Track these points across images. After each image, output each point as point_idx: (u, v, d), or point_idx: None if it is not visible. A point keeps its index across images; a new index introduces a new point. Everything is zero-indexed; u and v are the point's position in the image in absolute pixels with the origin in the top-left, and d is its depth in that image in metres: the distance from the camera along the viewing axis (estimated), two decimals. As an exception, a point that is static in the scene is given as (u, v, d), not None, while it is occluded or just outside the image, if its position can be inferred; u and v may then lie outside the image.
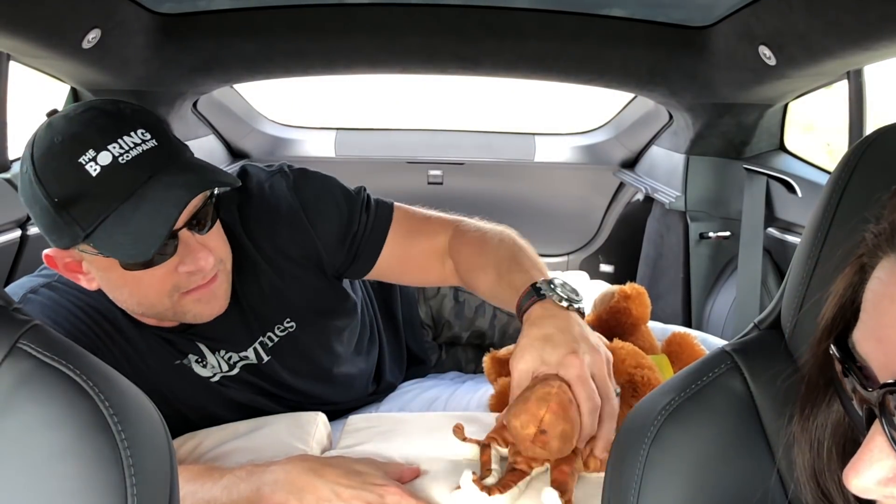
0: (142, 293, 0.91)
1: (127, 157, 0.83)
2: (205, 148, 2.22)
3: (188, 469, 0.89)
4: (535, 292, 0.88)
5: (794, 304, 0.60)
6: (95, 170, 0.81)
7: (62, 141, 0.82)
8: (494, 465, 0.85)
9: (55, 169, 0.82)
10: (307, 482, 0.83)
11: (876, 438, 0.39)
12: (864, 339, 0.41)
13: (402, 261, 1.12)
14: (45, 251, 0.90)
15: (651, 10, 1.56)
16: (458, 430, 0.89)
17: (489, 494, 0.79)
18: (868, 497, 0.40)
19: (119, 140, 0.83)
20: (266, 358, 1.08)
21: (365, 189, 1.12)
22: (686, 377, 0.63)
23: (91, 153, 0.82)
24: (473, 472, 0.81)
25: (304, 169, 1.10)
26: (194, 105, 2.11)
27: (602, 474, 0.80)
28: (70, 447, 0.49)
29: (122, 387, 0.54)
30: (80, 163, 0.81)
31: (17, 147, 1.53)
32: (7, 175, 1.52)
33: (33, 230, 1.53)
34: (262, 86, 2.14)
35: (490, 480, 0.82)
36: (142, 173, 0.84)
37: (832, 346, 0.43)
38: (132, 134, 0.84)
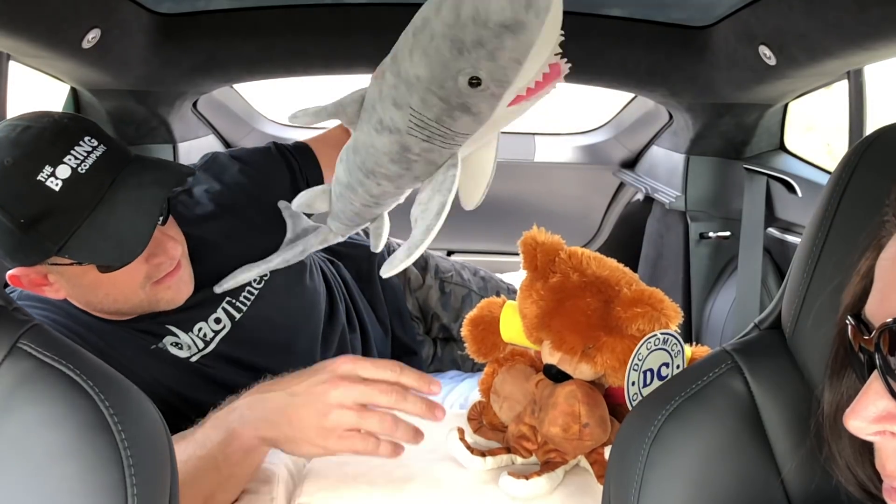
0: (117, 290, 0.94)
1: (84, 166, 0.84)
2: (205, 148, 2.21)
3: None
4: None
5: (795, 303, 0.60)
6: (57, 184, 0.82)
7: (14, 162, 0.82)
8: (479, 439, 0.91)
9: (14, 191, 0.82)
10: (263, 401, 0.83)
11: (873, 384, 0.43)
12: (873, 303, 0.45)
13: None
14: (10, 272, 0.90)
15: (651, 10, 1.56)
16: (462, 435, 0.90)
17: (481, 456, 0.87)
18: (861, 435, 0.44)
19: (72, 151, 0.84)
20: (238, 315, 1.10)
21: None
22: (686, 377, 0.63)
23: (48, 169, 0.82)
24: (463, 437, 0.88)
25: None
26: (194, 105, 2.11)
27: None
28: (70, 447, 0.49)
29: (122, 387, 0.54)
30: (40, 180, 0.82)
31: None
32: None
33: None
34: (262, 86, 2.13)
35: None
36: (104, 179, 0.85)
37: (848, 317, 0.46)
38: (81, 143, 0.85)
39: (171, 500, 0.56)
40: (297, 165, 1.27)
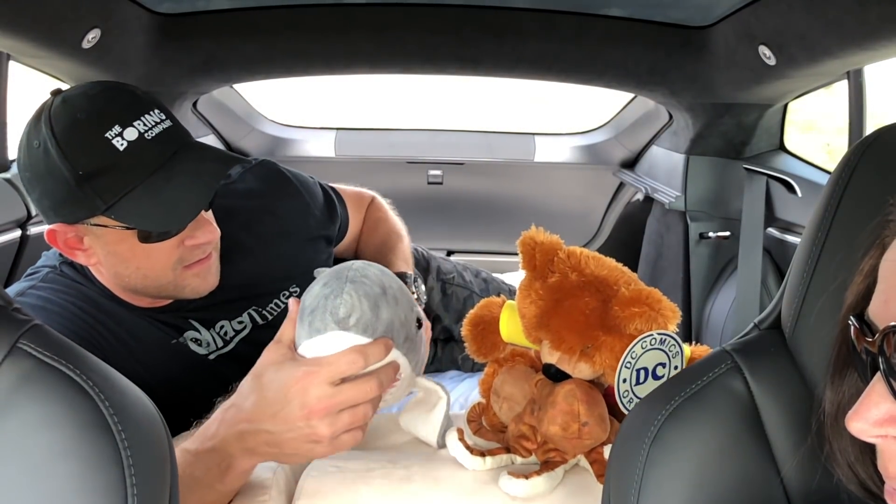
0: (149, 266, 0.95)
1: (151, 133, 0.89)
2: (205, 148, 2.22)
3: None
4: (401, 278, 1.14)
5: (795, 303, 0.60)
6: (122, 144, 0.86)
7: (87, 117, 0.87)
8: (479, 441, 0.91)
9: (81, 142, 0.86)
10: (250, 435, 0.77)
11: (876, 386, 0.42)
12: (876, 305, 0.44)
13: (353, 230, 1.36)
14: (50, 226, 0.92)
15: (651, 10, 1.56)
16: (461, 436, 0.90)
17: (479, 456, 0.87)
18: (864, 438, 0.43)
19: (142, 118, 0.89)
20: (262, 322, 1.11)
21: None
22: (686, 377, 0.63)
23: (117, 128, 0.87)
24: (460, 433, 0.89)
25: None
26: (194, 105, 2.11)
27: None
28: (70, 447, 0.49)
29: (122, 387, 0.54)
30: (107, 137, 0.86)
31: (16, 147, 1.53)
32: (7, 175, 1.52)
33: (33, 230, 1.52)
34: (262, 86, 2.14)
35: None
36: (167, 149, 0.89)
37: (851, 317, 0.46)
38: (151, 113, 0.90)
39: (171, 500, 0.56)
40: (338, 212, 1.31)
